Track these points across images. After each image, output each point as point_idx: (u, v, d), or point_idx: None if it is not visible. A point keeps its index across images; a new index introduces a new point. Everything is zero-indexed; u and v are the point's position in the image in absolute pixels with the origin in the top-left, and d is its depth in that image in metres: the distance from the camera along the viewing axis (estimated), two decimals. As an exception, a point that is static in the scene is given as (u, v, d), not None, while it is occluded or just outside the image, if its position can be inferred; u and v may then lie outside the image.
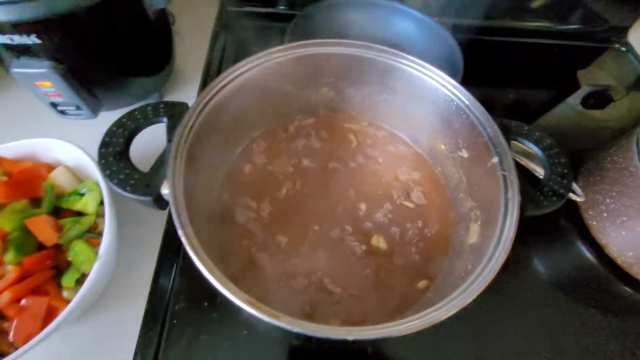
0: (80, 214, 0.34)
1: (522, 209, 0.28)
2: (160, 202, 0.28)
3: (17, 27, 0.35)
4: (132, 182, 0.28)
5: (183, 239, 0.24)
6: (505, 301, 0.40)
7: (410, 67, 0.37)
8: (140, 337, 0.36)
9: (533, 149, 0.33)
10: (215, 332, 0.37)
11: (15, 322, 0.28)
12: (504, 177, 0.30)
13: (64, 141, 0.37)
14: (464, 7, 0.63)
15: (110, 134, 0.29)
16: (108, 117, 0.48)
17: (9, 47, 0.37)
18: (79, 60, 0.40)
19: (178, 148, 0.29)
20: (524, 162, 0.41)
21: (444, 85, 0.36)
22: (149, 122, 0.31)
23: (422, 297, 0.35)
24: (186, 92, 0.57)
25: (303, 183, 0.42)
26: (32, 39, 0.36)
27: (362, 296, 0.35)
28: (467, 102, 0.35)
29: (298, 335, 0.36)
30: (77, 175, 0.38)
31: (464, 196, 0.37)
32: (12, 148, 0.37)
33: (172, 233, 0.41)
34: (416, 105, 0.41)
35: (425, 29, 0.61)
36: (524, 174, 0.36)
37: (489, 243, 0.28)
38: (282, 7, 0.68)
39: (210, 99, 0.33)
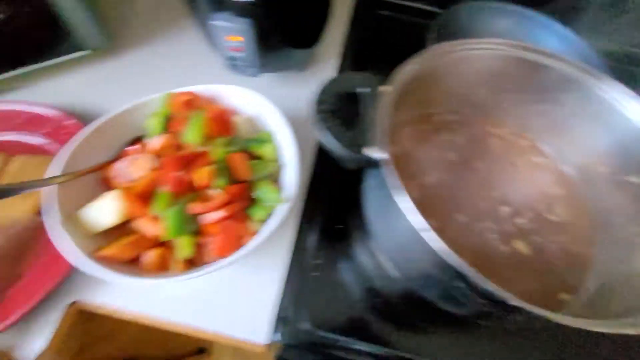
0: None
1: None
2: (367, 163, 0.31)
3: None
4: (345, 138, 0.30)
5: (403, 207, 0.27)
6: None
7: (597, 87, 0.37)
8: (285, 280, 0.39)
9: None
10: (351, 293, 0.39)
11: (217, 239, 0.32)
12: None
13: (251, 91, 0.41)
14: (620, 32, 0.61)
15: (324, 92, 0.33)
16: (262, 80, 0.53)
17: (216, 2, 0.42)
18: (270, 22, 0.44)
19: (384, 116, 0.31)
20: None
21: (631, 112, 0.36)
22: (356, 88, 0.34)
23: (566, 309, 0.35)
24: (322, 68, 0.59)
25: (448, 174, 0.43)
26: (246, -2, 0.40)
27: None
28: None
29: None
30: (254, 125, 0.41)
31: (624, 222, 0.37)
32: (203, 90, 0.42)
33: (314, 190, 0.45)
34: (582, 122, 0.41)
35: (570, 49, 0.59)
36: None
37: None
38: (422, 4, 0.69)
39: (412, 71, 0.35)
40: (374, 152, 0.30)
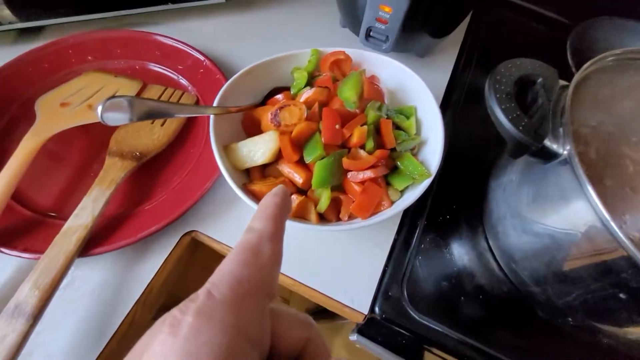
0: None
1: None
2: (541, 154, 0.29)
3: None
4: (522, 123, 0.29)
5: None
6: None
7: None
8: (390, 257, 0.39)
9: None
10: (455, 284, 0.38)
11: (359, 198, 0.32)
12: None
13: (399, 63, 0.40)
14: None
15: (499, 73, 0.31)
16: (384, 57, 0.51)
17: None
18: (422, 3, 0.43)
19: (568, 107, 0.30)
20: None
21: None
22: (535, 74, 0.32)
23: None
24: (442, 63, 0.58)
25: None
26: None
27: None
28: None
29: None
30: (395, 98, 0.41)
31: None
32: (351, 53, 0.41)
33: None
34: None
35: None
36: None
37: None
38: (548, 11, 0.65)
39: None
40: (558, 145, 0.28)
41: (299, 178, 0.32)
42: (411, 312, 0.36)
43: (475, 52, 0.61)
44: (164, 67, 0.47)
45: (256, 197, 0.31)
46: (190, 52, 0.47)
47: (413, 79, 0.39)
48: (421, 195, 0.32)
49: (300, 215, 0.32)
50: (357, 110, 0.35)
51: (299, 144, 0.33)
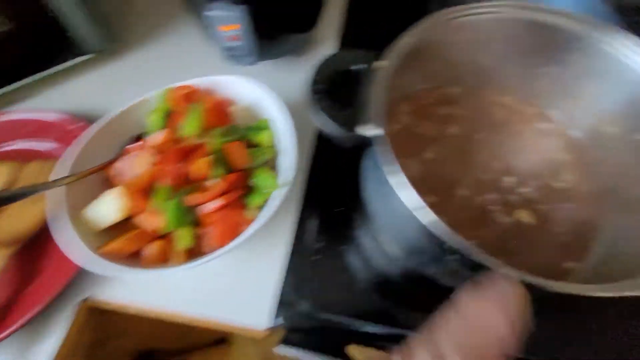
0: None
1: None
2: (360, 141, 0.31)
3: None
4: (339, 118, 0.30)
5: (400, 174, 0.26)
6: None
7: (601, 39, 0.35)
8: (287, 265, 0.40)
9: None
10: (353, 275, 0.40)
11: (214, 229, 0.33)
12: None
13: (247, 79, 0.41)
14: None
15: (318, 72, 0.32)
16: (258, 68, 0.53)
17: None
18: (265, 8, 0.43)
19: (380, 92, 0.31)
20: None
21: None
22: (349, 65, 0.33)
23: (572, 278, 0.34)
24: (318, 51, 0.59)
25: (449, 149, 0.43)
26: (232, -17, 0.40)
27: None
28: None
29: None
30: (253, 113, 0.42)
31: (631, 183, 0.35)
32: (201, 82, 0.42)
33: (314, 174, 0.45)
34: (590, 82, 0.39)
35: (580, 3, 0.56)
36: None
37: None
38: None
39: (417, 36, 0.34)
40: (368, 130, 0.30)
41: (153, 225, 0.33)
42: (317, 313, 0.38)
43: (357, 34, 0.61)
44: (39, 140, 0.47)
45: (116, 256, 0.32)
46: (61, 118, 0.47)
47: (260, 91, 0.40)
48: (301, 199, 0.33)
49: (165, 260, 0.34)
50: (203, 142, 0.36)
51: (148, 192, 0.34)
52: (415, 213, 0.27)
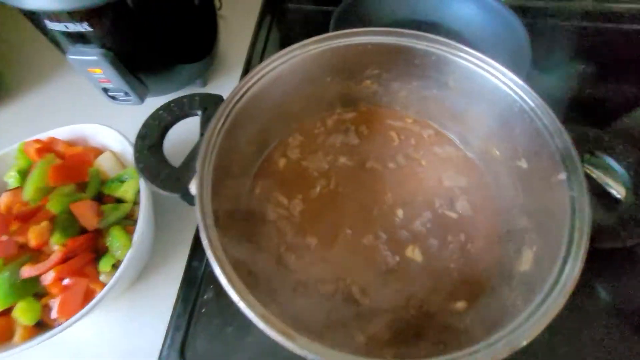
0: (121, 200, 0.36)
1: (593, 240, 0.24)
2: (189, 197, 0.28)
3: (70, 16, 0.36)
4: (162, 176, 0.28)
5: (205, 244, 0.24)
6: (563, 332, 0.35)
7: (468, 61, 0.33)
8: (170, 321, 0.37)
9: (613, 165, 0.28)
10: (241, 326, 0.37)
11: (59, 299, 0.30)
12: (572, 198, 0.25)
13: (109, 127, 0.38)
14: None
15: (147, 126, 0.30)
16: (155, 103, 0.50)
17: (65, 35, 0.39)
18: (127, 47, 0.41)
19: (209, 142, 0.28)
20: (596, 175, 0.35)
21: (505, 84, 0.31)
22: (184, 115, 0.31)
23: (460, 322, 0.31)
24: (229, 78, 0.57)
25: (338, 182, 0.40)
26: (83, 27, 0.37)
27: (392, 310, 0.33)
28: (532, 105, 0.30)
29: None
30: (122, 161, 0.39)
31: (518, 213, 0.33)
32: (65, 132, 0.39)
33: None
34: (471, 103, 0.36)
35: (490, 13, 0.54)
36: (597, 192, 0.31)
37: (546, 277, 0.24)
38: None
39: (245, 92, 0.32)
40: (192, 187, 0.27)
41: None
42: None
43: (266, 53, 0.59)
44: None
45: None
46: None
47: (120, 139, 0.37)
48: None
49: (7, 338, 0.30)
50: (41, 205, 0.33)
51: None
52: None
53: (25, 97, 0.54)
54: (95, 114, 0.51)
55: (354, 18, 0.55)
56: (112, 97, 0.46)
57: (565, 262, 0.23)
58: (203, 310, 0.38)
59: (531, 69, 0.46)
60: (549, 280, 0.23)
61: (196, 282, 0.39)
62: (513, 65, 0.47)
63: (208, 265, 0.40)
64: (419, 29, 0.55)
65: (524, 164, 0.32)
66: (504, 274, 0.31)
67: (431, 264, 0.35)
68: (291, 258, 0.35)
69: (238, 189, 0.37)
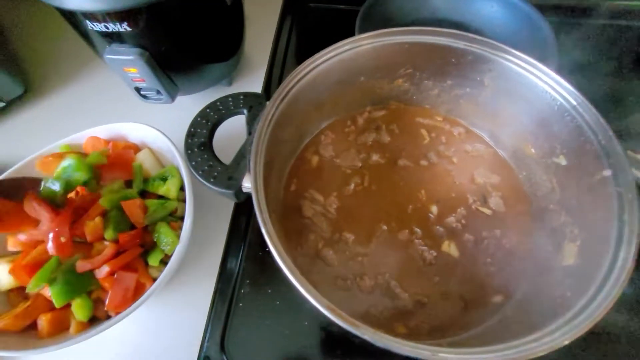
0: (163, 197, 0.37)
1: (642, 234, 0.24)
2: (240, 194, 0.29)
3: (110, 16, 0.36)
4: (215, 174, 0.28)
5: (267, 238, 0.24)
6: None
7: (508, 60, 0.33)
8: (210, 315, 0.38)
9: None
10: (277, 319, 0.38)
11: (110, 293, 0.31)
12: (619, 194, 0.26)
13: (148, 125, 0.39)
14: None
15: (195, 124, 0.30)
16: (184, 102, 0.51)
17: (103, 35, 0.39)
18: (162, 47, 0.41)
19: (259, 140, 0.29)
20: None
21: (547, 83, 0.32)
22: (230, 114, 0.31)
23: (498, 314, 0.32)
24: (253, 77, 0.57)
25: (371, 179, 0.40)
26: (123, 27, 0.37)
27: (431, 304, 0.34)
28: (574, 103, 0.30)
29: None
30: (160, 158, 0.40)
31: (556, 208, 0.33)
32: (105, 130, 0.40)
33: (238, 220, 0.43)
34: (506, 101, 0.37)
35: (513, 11, 0.55)
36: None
37: (596, 271, 0.24)
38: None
39: (288, 92, 0.33)
40: (245, 186, 0.27)
41: (47, 295, 0.31)
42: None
43: (290, 55, 0.60)
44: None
45: (8, 333, 0.30)
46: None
47: (160, 137, 0.38)
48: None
49: (62, 329, 0.31)
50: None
51: (37, 267, 0.31)
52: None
53: (54, 97, 0.54)
54: (126, 113, 0.52)
55: (378, 17, 0.55)
56: (144, 96, 0.47)
57: (616, 254, 0.24)
58: (240, 304, 0.39)
59: (557, 67, 0.46)
60: (599, 275, 0.24)
61: (232, 277, 0.40)
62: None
63: (244, 260, 0.41)
64: (441, 27, 0.56)
65: (562, 161, 0.33)
66: (543, 267, 0.32)
67: (468, 258, 0.36)
68: (329, 253, 0.36)
69: (278, 185, 0.38)
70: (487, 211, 0.38)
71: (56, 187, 0.32)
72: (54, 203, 0.32)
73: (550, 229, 0.33)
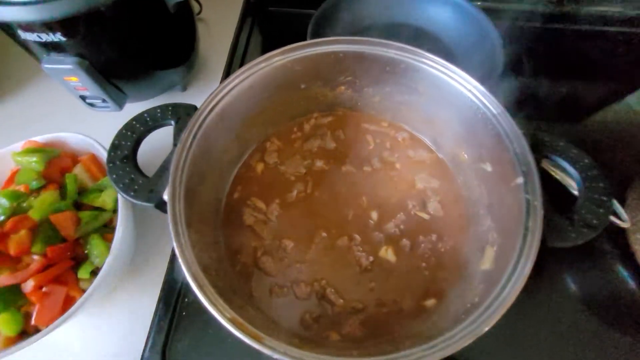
0: (100, 209, 0.36)
1: (544, 239, 0.25)
2: (163, 207, 0.29)
3: (44, 26, 0.36)
4: (136, 187, 0.28)
5: (177, 251, 0.24)
6: (530, 318, 0.37)
7: (433, 68, 0.34)
8: (152, 324, 0.38)
9: (567, 168, 0.29)
10: (221, 328, 0.38)
11: (37, 307, 0.31)
12: (527, 201, 0.27)
13: (86, 136, 0.39)
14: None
15: (120, 136, 0.30)
16: (134, 109, 0.50)
17: (40, 44, 0.39)
18: (103, 56, 0.41)
19: (182, 153, 0.29)
20: (560, 175, 0.37)
21: (469, 91, 0.32)
22: (157, 125, 0.31)
23: (429, 317, 0.33)
24: (210, 82, 0.57)
25: (314, 186, 0.41)
26: (58, 37, 0.37)
27: (366, 310, 0.34)
28: (494, 112, 0.31)
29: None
30: (101, 169, 0.39)
31: (484, 213, 0.34)
32: (45, 139, 0.40)
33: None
34: (440, 108, 0.38)
35: (464, 15, 0.55)
36: (557, 190, 0.32)
37: (502, 274, 0.25)
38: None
39: (218, 103, 0.33)
40: (165, 196, 0.27)
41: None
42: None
43: (247, 56, 0.59)
44: None
45: None
46: None
47: (96, 148, 0.37)
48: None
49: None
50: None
51: None
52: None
53: (2, 105, 0.53)
54: (75, 121, 0.52)
55: (333, 22, 0.55)
56: (91, 104, 0.46)
57: (519, 258, 0.25)
58: (184, 314, 0.39)
59: (504, 70, 0.47)
60: (504, 277, 0.25)
61: (177, 287, 0.40)
62: (487, 67, 0.49)
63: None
64: (397, 31, 0.56)
65: (488, 167, 0.33)
66: (468, 272, 0.32)
67: (404, 263, 0.36)
68: (268, 261, 0.36)
69: (216, 194, 0.38)
70: (425, 216, 0.39)
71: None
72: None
73: (479, 233, 0.34)
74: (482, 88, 0.32)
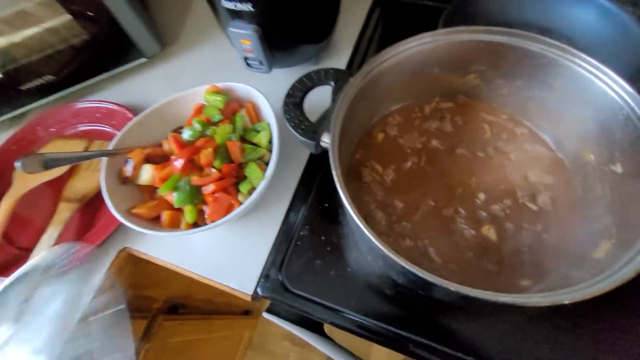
0: (255, 145, 0.46)
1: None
2: (318, 147, 0.36)
3: (240, -3, 0.46)
4: (302, 126, 0.36)
5: (340, 190, 0.32)
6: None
7: (579, 66, 0.36)
8: (273, 246, 0.47)
9: None
10: (327, 262, 0.45)
11: (210, 206, 0.41)
12: (661, 201, 0.28)
13: (252, 87, 0.49)
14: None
15: (293, 88, 0.39)
16: (277, 74, 0.60)
17: (230, 11, 0.50)
18: (273, 27, 0.50)
19: (339, 108, 0.36)
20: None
21: (615, 91, 0.33)
22: (320, 83, 0.39)
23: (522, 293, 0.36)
24: (337, 60, 0.64)
25: (428, 161, 0.45)
26: (248, 7, 0.47)
27: (460, 272, 0.38)
28: (639, 113, 0.32)
29: (395, 286, 0.42)
30: (257, 114, 0.49)
31: (603, 212, 0.35)
32: (223, 85, 0.51)
33: (308, 175, 0.51)
34: (572, 106, 0.39)
35: (609, 21, 0.53)
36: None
37: (614, 263, 0.27)
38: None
39: (369, 72, 0.39)
40: (323, 141, 0.35)
41: (170, 199, 0.43)
42: (289, 290, 0.44)
43: (373, 45, 0.66)
44: (103, 125, 0.61)
45: (140, 218, 0.42)
46: (120, 109, 0.60)
47: (259, 99, 0.47)
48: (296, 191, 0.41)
49: (175, 225, 0.43)
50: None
51: (166, 179, 0.43)
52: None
53: (182, 56, 0.68)
54: (232, 75, 0.63)
55: (463, 17, 0.58)
56: (249, 65, 0.57)
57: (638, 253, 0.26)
58: (298, 243, 0.47)
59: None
60: (616, 265, 0.27)
61: (295, 220, 0.48)
62: (630, 77, 0.47)
63: (306, 209, 0.49)
64: (529, 31, 0.56)
65: (618, 168, 0.34)
66: (575, 260, 0.34)
67: (504, 243, 0.39)
68: (378, 214, 0.43)
69: (347, 149, 0.45)
70: (534, 207, 0.41)
71: (186, 135, 0.44)
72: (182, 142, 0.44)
73: (593, 230, 0.35)
74: (630, 89, 0.33)
